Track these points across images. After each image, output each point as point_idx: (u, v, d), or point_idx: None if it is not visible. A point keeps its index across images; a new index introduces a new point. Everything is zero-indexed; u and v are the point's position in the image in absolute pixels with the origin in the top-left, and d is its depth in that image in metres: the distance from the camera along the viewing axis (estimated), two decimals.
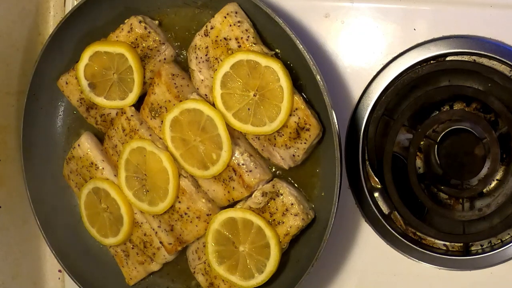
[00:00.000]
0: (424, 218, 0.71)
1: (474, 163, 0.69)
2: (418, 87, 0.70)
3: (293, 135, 0.64)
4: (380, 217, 0.70)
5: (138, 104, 0.72)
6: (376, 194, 0.70)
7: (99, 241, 0.77)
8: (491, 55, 0.66)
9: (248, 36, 0.64)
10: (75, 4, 0.71)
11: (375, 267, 0.71)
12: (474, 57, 0.67)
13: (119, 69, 0.70)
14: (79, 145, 0.74)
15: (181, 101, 0.67)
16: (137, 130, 0.70)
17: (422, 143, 0.71)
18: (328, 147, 0.64)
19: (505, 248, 0.67)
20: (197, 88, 0.69)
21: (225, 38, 0.65)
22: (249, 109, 0.64)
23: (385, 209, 0.70)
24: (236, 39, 0.64)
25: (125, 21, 0.71)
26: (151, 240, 0.72)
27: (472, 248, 0.69)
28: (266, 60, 0.63)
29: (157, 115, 0.69)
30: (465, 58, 0.67)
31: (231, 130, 0.65)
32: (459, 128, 0.70)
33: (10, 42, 0.77)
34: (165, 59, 0.71)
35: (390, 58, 0.68)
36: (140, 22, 0.70)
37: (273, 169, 0.68)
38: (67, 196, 0.79)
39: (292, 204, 0.65)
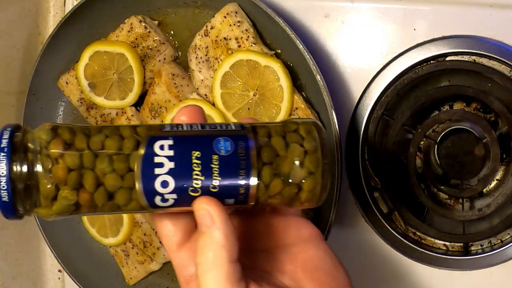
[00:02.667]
0: (424, 218, 0.71)
1: (474, 163, 0.68)
2: (418, 87, 0.70)
3: None
4: (380, 217, 0.69)
5: (138, 104, 0.72)
6: (376, 194, 0.70)
7: (99, 241, 0.77)
8: (491, 55, 0.66)
9: (248, 36, 0.64)
10: (75, 4, 0.71)
11: (375, 267, 0.71)
12: (474, 57, 0.67)
13: (119, 69, 0.70)
14: None
15: (181, 101, 0.67)
16: None
17: (422, 143, 0.71)
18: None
19: (505, 248, 0.67)
20: (197, 88, 0.69)
21: (225, 38, 0.65)
22: (249, 108, 0.64)
23: (385, 209, 0.70)
24: (236, 39, 0.64)
25: (125, 21, 0.71)
26: (151, 240, 0.72)
27: (472, 248, 0.69)
28: (266, 59, 0.63)
29: (157, 115, 0.69)
30: (465, 58, 0.67)
31: None
32: (459, 128, 0.69)
33: (10, 42, 0.77)
34: (165, 59, 0.71)
35: (390, 58, 0.68)
36: (140, 21, 0.70)
37: None
38: None
39: None
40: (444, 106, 0.71)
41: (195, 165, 0.39)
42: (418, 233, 0.71)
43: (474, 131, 0.69)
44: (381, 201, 0.70)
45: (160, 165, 0.39)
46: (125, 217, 0.72)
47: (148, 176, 0.39)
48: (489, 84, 0.67)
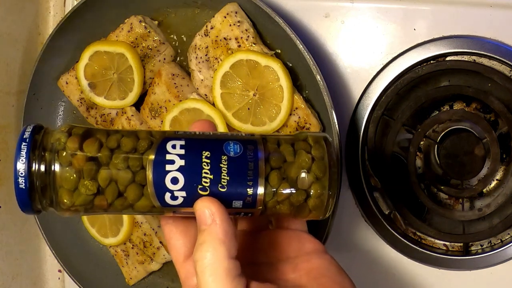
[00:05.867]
0: (424, 218, 0.71)
1: (474, 163, 0.68)
2: (418, 87, 0.70)
3: None
4: (380, 217, 0.69)
5: (138, 104, 0.72)
6: (376, 194, 0.70)
7: (99, 241, 0.77)
8: (491, 55, 0.66)
9: (248, 36, 0.64)
10: (75, 4, 0.71)
11: (375, 267, 0.71)
12: (474, 57, 0.67)
13: (119, 69, 0.70)
14: None
15: (181, 101, 0.67)
16: None
17: (422, 143, 0.71)
18: None
19: (505, 248, 0.67)
20: (197, 88, 0.69)
21: (225, 38, 0.65)
22: (249, 108, 0.64)
23: (385, 209, 0.70)
24: (236, 39, 0.64)
25: (125, 21, 0.71)
26: (151, 239, 0.72)
27: (472, 248, 0.69)
28: (266, 59, 0.63)
29: (157, 115, 0.69)
30: (465, 58, 0.67)
31: (230, 129, 0.65)
32: (459, 128, 0.70)
33: (10, 42, 0.77)
34: (165, 59, 0.71)
35: (390, 58, 0.68)
36: (140, 21, 0.70)
37: None
38: None
39: None
40: (444, 106, 0.71)
41: (204, 163, 0.41)
42: (418, 233, 0.71)
43: (474, 131, 0.69)
44: (381, 201, 0.70)
45: (171, 162, 0.41)
46: (125, 217, 0.72)
47: (159, 171, 0.41)
48: (489, 84, 0.67)
